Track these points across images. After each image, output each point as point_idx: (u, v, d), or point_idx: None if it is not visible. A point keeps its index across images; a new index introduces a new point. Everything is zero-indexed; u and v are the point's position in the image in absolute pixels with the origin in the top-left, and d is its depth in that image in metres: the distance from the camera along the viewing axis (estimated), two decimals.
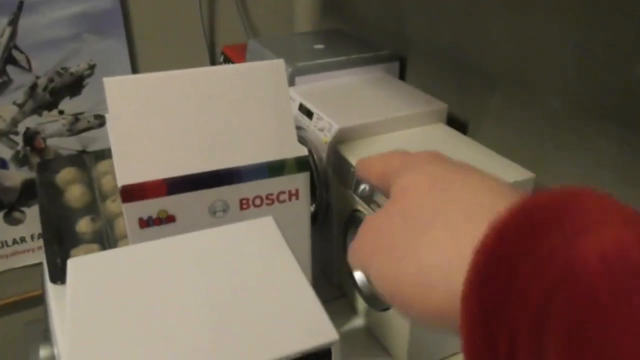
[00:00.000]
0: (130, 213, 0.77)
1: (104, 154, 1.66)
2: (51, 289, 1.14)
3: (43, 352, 1.11)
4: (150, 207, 0.77)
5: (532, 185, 0.89)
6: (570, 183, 0.94)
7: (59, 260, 1.18)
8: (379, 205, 0.87)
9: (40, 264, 1.53)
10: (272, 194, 0.84)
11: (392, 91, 1.14)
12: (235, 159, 0.80)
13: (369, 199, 0.89)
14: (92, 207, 1.41)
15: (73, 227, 1.32)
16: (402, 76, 1.28)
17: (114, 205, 1.38)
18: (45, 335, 1.15)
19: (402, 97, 1.10)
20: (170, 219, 0.79)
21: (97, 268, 0.65)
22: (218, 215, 0.82)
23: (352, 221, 0.96)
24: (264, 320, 0.57)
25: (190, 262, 0.66)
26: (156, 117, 0.78)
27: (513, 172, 0.89)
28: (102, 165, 1.59)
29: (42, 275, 1.30)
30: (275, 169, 0.82)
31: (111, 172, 1.56)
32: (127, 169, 0.75)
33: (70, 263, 0.66)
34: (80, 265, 0.66)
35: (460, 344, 0.36)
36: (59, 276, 1.13)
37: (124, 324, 0.57)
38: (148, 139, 0.77)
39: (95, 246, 1.21)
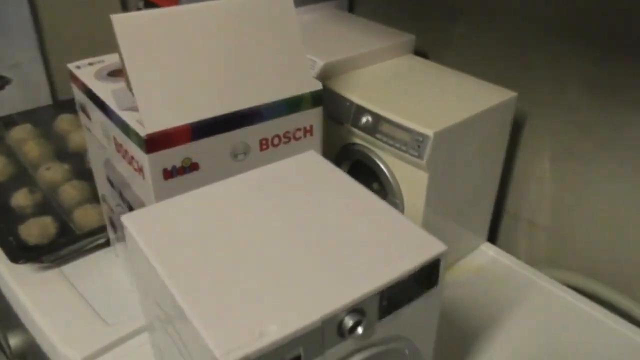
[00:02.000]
0: (154, 164, 0.71)
1: (15, 119, 1.48)
2: (8, 271, 1.02)
3: (13, 340, 1.00)
4: (174, 155, 0.72)
5: (514, 104, 0.97)
6: (540, 100, 1.04)
7: (11, 239, 1.06)
8: (384, 135, 0.89)
9: None
10: (289, 132, 0.82)
11: (353, 26, 1.15)
12: (255, 97, 0.77)
13: (372, 130, 0.91)
14: (21, 179, 1.26)
15: (7, 203, 1.18)
16: (351, 10, 1.29)
17: (50, 173, 1.25)
18: (4, 326, 1.03)
19: (368, 32, 1.12)
20: (194, 167, 0.75)
21: (158, 220, 0.61)
22: (239, 158, 0.79)
23: (346, 154, 0.98)
24: (367, 243, 0.57)
25: (260, 199, 0.64)
26: (172, 58, 0.72)
27: (496, 94, 0.96)
28: (16, 133, 1.42)
29: None
30: (293, 105, 0.80)
31: (31, 138, 1.40)
32: (151, 116, 0.69)
33: (126, 219, 0.61)
34: (136, 219, 0.61)
35: None
36: (19, 255, 1.01)
37: (217, 258, 0.54)
38: (167, 82, 0.71)
39: (47, 219, 1.10)
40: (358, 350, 0.54)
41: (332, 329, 0.50)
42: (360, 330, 0.52)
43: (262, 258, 0.55)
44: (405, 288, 0.54)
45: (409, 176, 0.89)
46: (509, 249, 1.11)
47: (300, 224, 0.60)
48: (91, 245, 1.05)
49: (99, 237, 1.05)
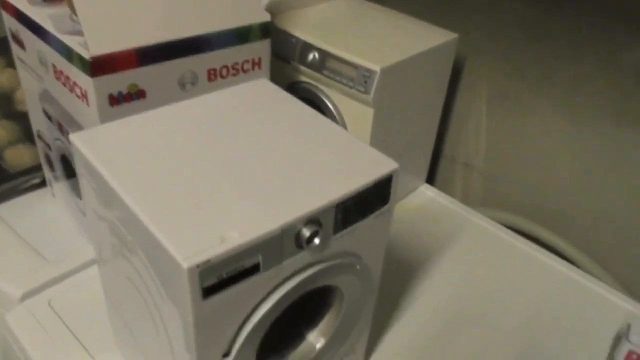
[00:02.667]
0: (100, 89, 0.69)
1: None
2: None
3: None
4: (121, 81, 0.70)
5: (455, 46, 1.00)
6: (478, 44, 1.07)
7: None
8: (331, 72, 0.90)
9: None
10: (237, 64, 0.81)
11: None
12: (204, 26, 0.75)
13: (319, 66, 0.92)
14: None
15: None
16: None
17: None
18: None
19: None
20: (141, 94, 0.73)
21: (107, 138, 0.59)
22: (187, 88, 0.77)
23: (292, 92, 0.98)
24: (324, 161, 0.58)
25: (213, 120, 0.63)
26: None
27: (439, 34, 0.98)
28: None
29: None
30: (242, 35, 0.79)
31: None
32: (96, 38, 0.67)
33: (74, 137, 0.59)
34: (86, 138, 0.59)
35: None
36: None
37: (173, 172, 0.54)
38: (113, 5, 0.69)
39: None
40: (314, 263, 0.56)
41: (290, 239, 0.51)
42: (317, 241, 0.53)
43: (219, 173, 0.55)
44: (359, 203, 0.56)
45: (355, 113, 0.91)
46: (445, 190, 1.16)
47: (257, 143, 0.60)
48: (26, 185, 1.01)
49: (33, 176, 1.01)
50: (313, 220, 0.52)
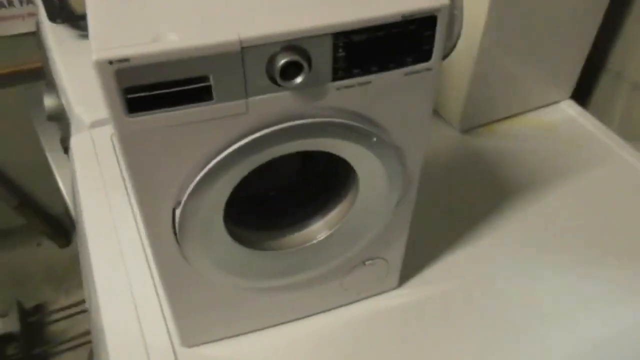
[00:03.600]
0: None
1: None
2: (49, 30, 0.99)
3: (48, 101, 1.00)
4: None
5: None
6: None
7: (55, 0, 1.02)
8: None
9: (33, 33, 1.37)
10: None
11: None
12: None
13: None
14: None
15: None
16: None
17: None
18: (48, 88, 1.03)
19: None
20: None
21: None
22: None
23: None
24: None
25: None
26: None
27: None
28: None
29: (37, 23, 1.15)
30: None
31: None
32: None
33: None
34: None
35: None
36: (56, 13, 0.98)
37: None
38: None
39: None
40: (303, 116, 0.43)
41: (258, 66, 0.39)
42: (299, 79, 0.40)
43: None
44: (376, 43, 0.41)
45: None
46: (599, 114, 0.90)
47: None
48: None
49: None
50: (294, 47, 0.39)
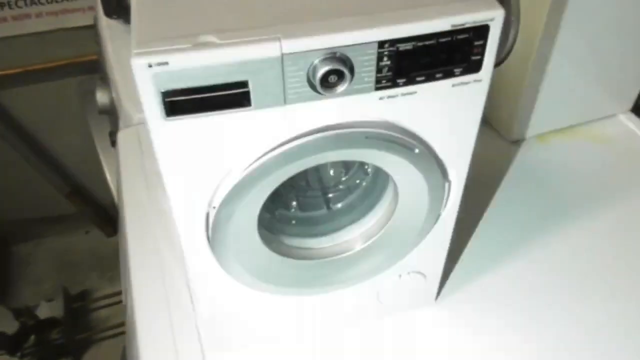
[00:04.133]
0: None
1: None
2: (105, 24, 1.01)
3: (100, 95, 1.02)
4: None
5: None
6: None
7: None
8: None
9: (92, 26, 1.40)
10: None
11: None
12: None
13: None
14: None
15: None
16: None
17: None
18: (101, 82, 1.05)
19: None
20: None
21: None
22: None
23: None
24: None
25: None
26: None
27: None
28: None
29: (95, 17, 1.18)
30: None
31: None
32: None
33: None
34: None
35: None
36: (112, 9, 1.00)
37: None
38: None
39: None
40: (344, 126, 0.41)
41: (298, 72, 0.37)
42: (340, 87, 0.38)
43: None
44: (423, 51, 0.39)
45: None
46: None
47: None
48: None
49: None
50: (337, 54, 0.37)
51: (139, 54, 0.35)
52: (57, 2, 1.65)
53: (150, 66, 0.35)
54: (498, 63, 0.78)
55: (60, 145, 1.76)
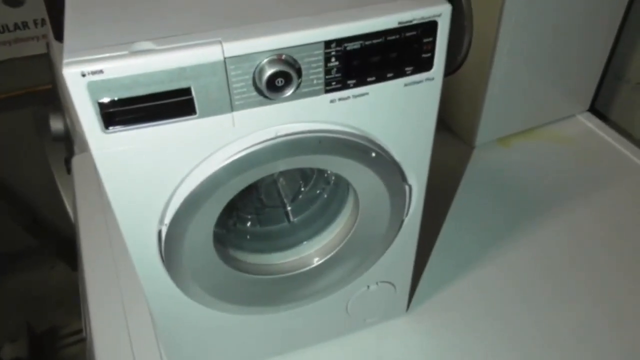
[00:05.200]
0: None
1: None
2: (57, 48, 0.99)
3: (54, 121, 0.99)
4: None
5: None
6: None
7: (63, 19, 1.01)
8: None
9: (46, 54, 1.37)
10: None
11: None
12: None
13: None
14: None
15: None
16: None
17: None
18: (55, 108, 1.02)
19: None
20: None
21: None
22: None
23: None
24: None
25: None
26: None
27: None
28: None
29: (47, 43, 1.15)
30: None
31: None
32: None
33: None
34: None
35: None
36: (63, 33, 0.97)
37: None
38: None
39: None
40: (295, 132, 0.40)
41: (243, 76, 0.36)
42: (288, 91, 0.37)
43: None
44: (372, 50, 0.38)
45: None
46: (617, 125, 0.86)
47: None
48: None
49: None
50: (282, 56, 0.36)
51: (71, 63, 0.33)
52: (9, 31, 1.61)
53: (83, 75, 0.33)
54: (454, 69, 0.78)
55: (18, 177, 1.70)
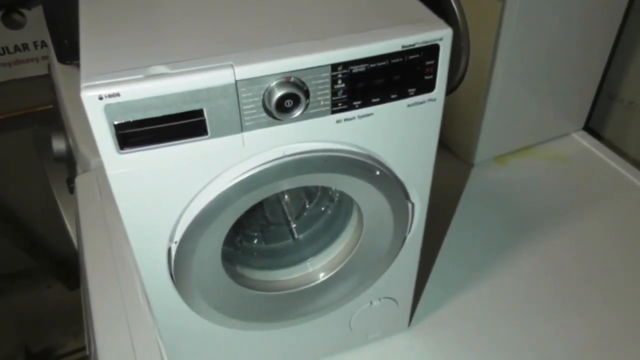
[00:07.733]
0: None
1: None
2: (59, 70, 1.00)
3: (56, 142, 1.00)
4: None
5: None
6: None
7: (66, 42, 1.03)
8: None
9: (46, 76, 1.39)
10: None
11: None
12: None
13: None
14: None
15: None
16: None
17: None
18: (57, 129, 1.03)
19: None
20: None
21: None
22: None
23: None
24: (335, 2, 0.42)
25: None
26: None
27: None
28: None
29: (49, 65, 1.16)
30: None
31: None
32: None
33: None
34: None
35: None
36: (66, 55, 0.99)
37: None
38: None
39: None
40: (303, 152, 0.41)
41: (253, 98, 0.37)
42: (296, 112, 0.38)
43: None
44: (376, 73, 0.39)
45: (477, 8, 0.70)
46: (612, 143, 0.88)
47: None
48: None
49: None
50: (290, 80, 0.37)
51: (89, 87, 0.34)
52: (10, 53, 1.62)
53: (101, 98, 0.34)
54: (452, 89, 0.80)
55: (17, 198, 1.71)
